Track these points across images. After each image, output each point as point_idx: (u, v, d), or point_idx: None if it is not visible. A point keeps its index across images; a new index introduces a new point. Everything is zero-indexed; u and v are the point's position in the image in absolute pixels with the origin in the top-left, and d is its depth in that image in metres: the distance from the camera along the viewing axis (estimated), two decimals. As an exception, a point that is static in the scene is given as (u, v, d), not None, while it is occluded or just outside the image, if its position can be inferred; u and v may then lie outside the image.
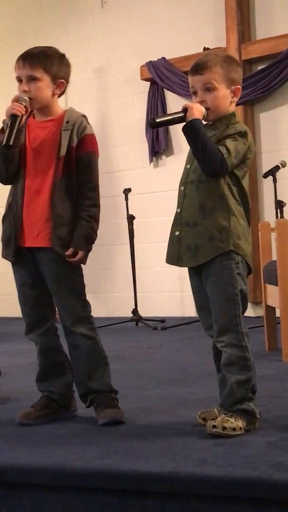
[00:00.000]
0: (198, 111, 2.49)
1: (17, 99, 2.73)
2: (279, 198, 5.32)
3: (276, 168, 5.41)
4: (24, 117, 2.73)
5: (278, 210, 5.20)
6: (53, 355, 2.85)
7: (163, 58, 6.96)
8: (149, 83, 7.11)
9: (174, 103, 6.86)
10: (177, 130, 6.81)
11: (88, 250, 2.77)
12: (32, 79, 2.76)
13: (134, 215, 6.33)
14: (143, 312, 6.42)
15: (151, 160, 7.09)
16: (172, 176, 6.93)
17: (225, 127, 2.54)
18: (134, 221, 6.32)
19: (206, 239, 2.49)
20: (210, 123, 2.57)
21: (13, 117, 2.67)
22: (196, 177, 2.55)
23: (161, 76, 6.94)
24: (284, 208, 5.21)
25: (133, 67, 7.19)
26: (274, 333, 4.46)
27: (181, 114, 2.49)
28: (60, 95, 2.85)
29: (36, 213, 2.77)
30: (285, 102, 6.47)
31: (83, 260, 2.78)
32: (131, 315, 6.30)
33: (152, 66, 6.99)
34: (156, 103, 7.03)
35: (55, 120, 2.82)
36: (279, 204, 5.22)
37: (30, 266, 2.82)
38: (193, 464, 2.07)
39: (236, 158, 2.47)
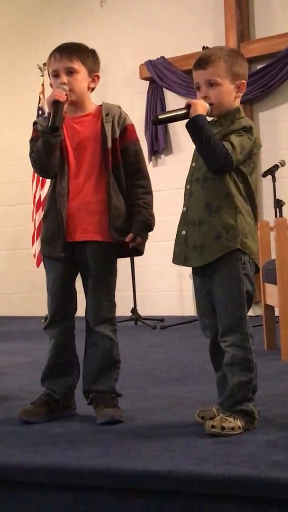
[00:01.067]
0: (201, 107, 2.46)
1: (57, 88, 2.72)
2: (278, 197, 5.33)
3: (275, 167, 5.41)
4: (66, 105, 2.71)
5: (277, 209, 5.21)
6: (65, 354, 2.85)
7: (162, 57, 6.96)
8: (148, 82, 7.12)
9: (174, 102, 6.86)
10: (176, 130, 6.83)
11: (146, 237, 2.79)
12: (70, 71, 2.75)
13: (133, 214, 6.32)
14: (142, 311, 6.43)
15: (150, 160, 7.09)
16: (171, 175, 6.97)
17: (230, 123, 2.51)
18: (133, 220, 6.31)
19: (212, 238, 2.46)
20: (215, 119, 2.54)
21: (56, 103, 2.66)
22: (202, 175, 2.52)
23: (160, 75, 6.94)
24: (283, 207, 5.22)
25: (132, 66, 7.20)
26: (273, 332, 4.46)
27: (184, 111, 2.46)
28: (92, 90, 2.84)
29: (84, 207, 2.76)
30: (284, 101, 6.48)
31: (141, 249, 2.79)
32: (130, 314, 6.31)
33: (151, 65, 7.00)
34: (155, 102, 7.04)
35: (91, 115, 2.82)
36: (278, 203, 5.22)
37: (67, 263, 2.80)
38: (192, 463, 2.07)
39: (242, 154, 2.44)
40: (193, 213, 2.53)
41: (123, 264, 7.73)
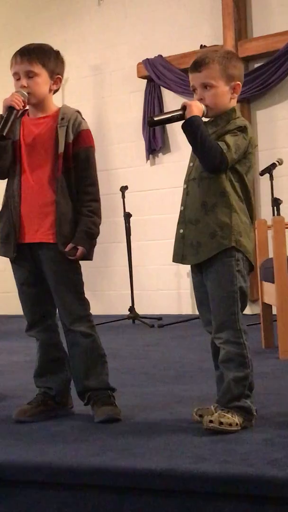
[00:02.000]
0: (197, 108, 2.48)
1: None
2: (275, 195, 5.33)
3: (273, 165, 5.41)
4: (20, 112, 2.72)
5: (275, 207, 5.20)
6: (53, 351, 2.85)
7: (160, 56, 6.96)
8: (146, 80, 7.11)
9: (171, 100, 6.86)
10: (174, 128, 6.82)
11: (90, 245, 2.77)
12: (30, 74, 2.76)
13: (131, 213, 6.33)
14: (140, 310, 6.43)
15: (148, 158, 7.09)
16: (169, 174, 6.98)
17: (225, 123, 2.53)
18: (131, 219, 6.32)
19: (208, 236, 2.49)
20: (211, 119, 2.57)
21: (10, 109, 2.67)
22: (198, 174, 2.54)
23: (158, 74, 6.94)
24: (281, 206, 5.22)
25: (130, 64, 7.19)
26: (270, 331, 4.46)
27: (180, 112, 2.49)
28: (55, 92, 2.85)
29: (34, 209, 2.76)
30: (281, 100, 6.48)
31: (89, 256, 2.78)
32: (128, 312, 6.30)
33: (149, 63, 6.99)
34: (153, 101, 7.03)
35: (49, 117, 2.82)
36: (276, 202, 5.22)
37: (30, 263, 2.81)
38: (190, 461, 2.08)
39: (237, 153, 2.46)
40: (190, 212, 2.56)
41: (120, 263, 7.74)
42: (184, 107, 2.49)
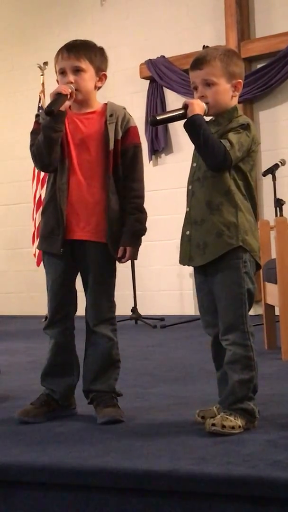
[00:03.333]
0: (198, 106, 2.47)
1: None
2: (278, 196, 5.33)
3: (276, 166, 5.41)
4: (69, 103, 2.69)
5: (278, 208, 5.20)
6: (65, 354, 2.84)
7: (163, 57, 6.96)
8: (148, 81, 7.12)
9: (174, 101, 6.86)
10: (176, 129, 6.83)
11: (138, 243, 2.79)
12: (77, 70, 2.74)
13: (133, 214, 6.31)
14: (142, 311, 6.43)
15: (150, 159, 7.09)
16: (171, 174, 6.98)
17: (227, 121, 2.52)
18: (133, 220, 6.31)
19: (214, 236, 2.47)
20: (213, 118, 2.56)
21: (58, 94, 2.65)
22: (202, 174, 2.53)
23: (160, 75, 6.94)
24: (284, 207, 5.22)
25: (132, 65, 7.20)
26: (273, 332, 4.46)
27: (182, 111, 2.48)
28: (99, 89, 2.83)
29: (83, 205, 2.75)
30: (284, 100, 6.48)
31: (135, 256, 2.79)
32: (130, 313, 6.31)
33: (151, 64, 7.00)
34: (155, 101, 7.04)
35: (96, 113, 2.80)
36: (279, 202, 5.22)
37: (66, 262, 2.79)
38: (192, 462, 2.07)
39: (240, 151, 2.45)
40: (195, 212, 2.55)
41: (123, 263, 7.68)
42: (185, 106, 2.48)
